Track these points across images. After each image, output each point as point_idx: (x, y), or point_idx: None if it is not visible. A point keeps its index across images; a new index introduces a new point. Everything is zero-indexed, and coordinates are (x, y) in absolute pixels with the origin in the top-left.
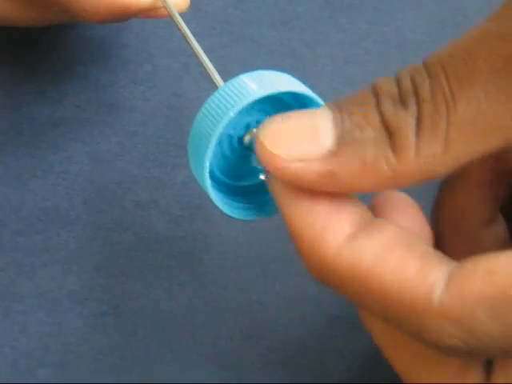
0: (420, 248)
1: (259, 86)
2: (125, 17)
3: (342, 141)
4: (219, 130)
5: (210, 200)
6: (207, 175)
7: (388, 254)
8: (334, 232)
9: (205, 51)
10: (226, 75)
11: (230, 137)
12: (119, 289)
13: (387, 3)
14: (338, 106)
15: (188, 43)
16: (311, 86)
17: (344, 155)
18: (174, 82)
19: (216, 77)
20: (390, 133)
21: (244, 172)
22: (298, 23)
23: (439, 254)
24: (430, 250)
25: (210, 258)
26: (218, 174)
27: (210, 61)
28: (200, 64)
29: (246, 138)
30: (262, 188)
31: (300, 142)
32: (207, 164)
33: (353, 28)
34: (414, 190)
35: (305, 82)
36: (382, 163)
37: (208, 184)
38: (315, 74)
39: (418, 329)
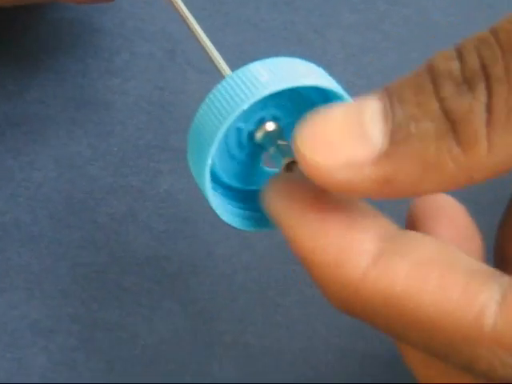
0: (464, 263)
1: (277, 77)
2: None
3: (396, 138)
4: (227, 123)
5: (209, 205)
6: (207, 174)
7: (425, 273)
8: (356, 253)
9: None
10: None
11: (239, 131)
12: (91, 318)
13: None
14: (387, 94)
15: (186, 24)
16: None
17: (399, 155)
18: (157, 73)
19: (222, 64)
20: (453, 123)
21: (252, 174)
22: (304, 3)
23: (489, 269)
24: (477, 264)
25: (199, 281)
26: (221, 174)
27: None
28: (201, 48)
29: (259, 134)
30: None
31: (346, 143)
32: (209, 161)
33: (369, 9)
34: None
35: None
36: (446, 160)
37: (207, 185)
38: (325, 63)
39: (467, 359)
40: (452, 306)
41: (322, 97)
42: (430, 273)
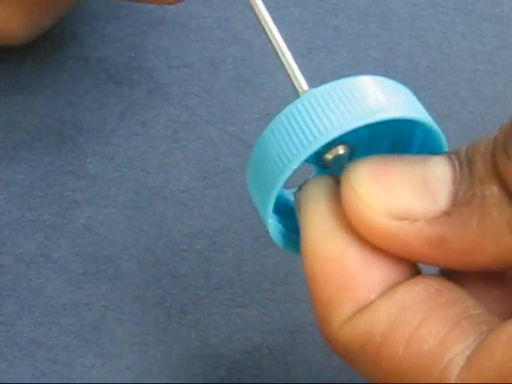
0: (458, 309)
1: (369, 107)
2: None
3: (459, 199)
4: (303, 156)
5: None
6: (270, 211)
7: (408, 316)
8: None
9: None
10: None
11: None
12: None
13: None
14: (456, 156)
15: (263, 27)
16: None
17: (459, 216)
18: (68, 86)
19: (299, 77)
20: None
21: None
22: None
23: (485, 316)
24: (475, 309)
25: (126, 331)
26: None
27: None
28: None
29: (329, 157)
30: None
31: (406, 193)
32: (274, 196)
33: (318, 2)
34: None
35: None
36: (504, 230)
37: (270, 216)
38: (268, 66)
39: None
40: (422, 358)
41: (405, 128)
42: (412, 315)
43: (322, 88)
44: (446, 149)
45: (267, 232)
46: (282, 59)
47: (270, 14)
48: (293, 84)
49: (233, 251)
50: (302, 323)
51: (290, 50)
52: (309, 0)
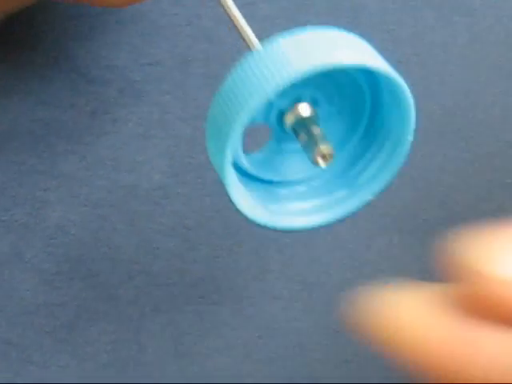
0: None
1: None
2: None
3: None
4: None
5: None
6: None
7: None
8: None
9: None
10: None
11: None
12: None
13: None
14: None
15: None
16: None
17: None
18: (40, 86)
19: (250, 35)
20: None
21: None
22: None
23: None
24: None
25: (100, 331)
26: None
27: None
28: (228, 16)
29: (289, 118)
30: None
31: None
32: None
33: None
34: None
35: None
36: None
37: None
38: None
39: None
40: None
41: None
42: None
43: (277, 40)
44: (411, 100)
45: (240, 229)
46: (235, 21)
47: (240, 9)
48: (246, 43)
49: (206, 249)
50: (275, 320)
51: None
52: None
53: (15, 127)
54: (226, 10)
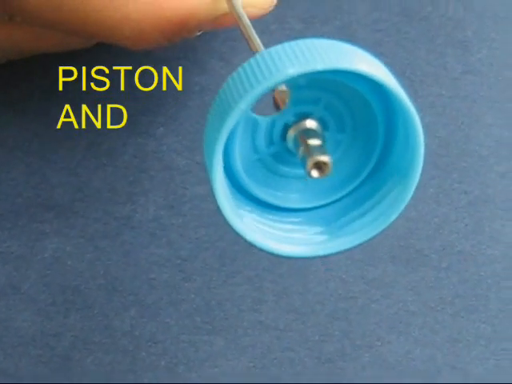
0: None
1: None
2: (185, 31)
3: None
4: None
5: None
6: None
7: None
8: None
9: None
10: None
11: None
12: None
13: None
14: None
15: None
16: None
17: None
18: (34, 117)
19: (256, 40)
20: None
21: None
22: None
23: None
24: None
25: (95, 361)
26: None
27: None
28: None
29: (291, 133)
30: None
31: None
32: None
33: (283, 29)
34: None
35: None
36: None
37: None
38: None
39: None
40: None
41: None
42: None
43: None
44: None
45: (235, 260)
46: (242, 27)
47: (234, 43)
48: (251, 48)
49: (200, 279)
50: (270, 350)
51: None
52: (273, 29)
53: (11, 159)
54: (236, 16)
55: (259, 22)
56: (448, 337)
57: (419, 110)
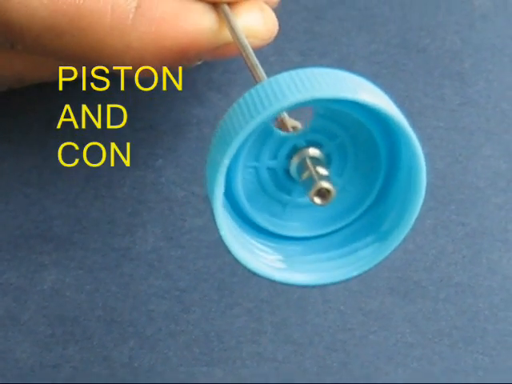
0: None
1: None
2: (185, 60)
3: None
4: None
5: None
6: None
7: None
8: None
9: None
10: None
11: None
12: None
13: None
14: None
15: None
16: None
17: None
18: (37, 146)
19: (259, 69)
20: None
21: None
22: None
23: None
24: None
25: None
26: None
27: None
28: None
29: (298, 156)
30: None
31: None
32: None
33: (283, 61)
34: None
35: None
36: None
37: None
38: None
39: None
40: None
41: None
42: None
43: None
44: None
45: (234, 291)
46: (246, 57)
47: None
48: (253, 76)
49: (199, 311)
50: (268, 381)
51: None
52: (272, 61)
53: (10, 191)
54: (239, 45)
55: (258, 53)
56: (446, 368)
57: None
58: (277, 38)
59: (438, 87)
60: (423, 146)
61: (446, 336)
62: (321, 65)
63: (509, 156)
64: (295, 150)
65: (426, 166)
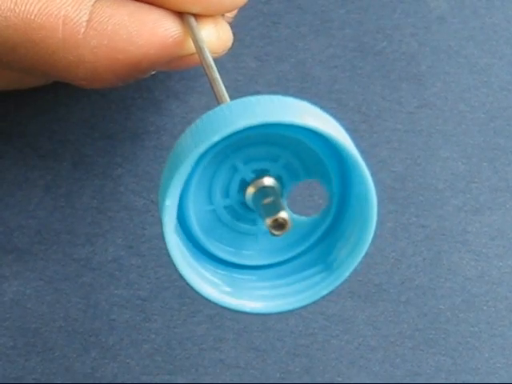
0: None
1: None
2: (138, 72)
3: None
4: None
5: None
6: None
7: None
8: None
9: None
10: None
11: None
12: None
13: None
14: None
15: (197, 47)
16: None
17: None
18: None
19: (223, 91)
20: None
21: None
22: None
23: None
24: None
25: None
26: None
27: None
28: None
29: (250, 190)
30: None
31: None
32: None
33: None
34: None
35: None
36: None
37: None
38: None
39: None
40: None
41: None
42: None
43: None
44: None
45: (195, 299)
46: (209, 74)
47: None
48: (217, 97)
49: (161, 319)
50: None
51: None
52: (229, 67)
53: None
54: (204, 65)
55: (215, 60)
56: (408, 371)
57: (375, 144)
58: (233, 43)
59: (395, 90)
60: (381, 149)
61: (407, 338)
62: (277, 71)
63: (467, 157)
64: (245, 183)
65: (384, 169)
